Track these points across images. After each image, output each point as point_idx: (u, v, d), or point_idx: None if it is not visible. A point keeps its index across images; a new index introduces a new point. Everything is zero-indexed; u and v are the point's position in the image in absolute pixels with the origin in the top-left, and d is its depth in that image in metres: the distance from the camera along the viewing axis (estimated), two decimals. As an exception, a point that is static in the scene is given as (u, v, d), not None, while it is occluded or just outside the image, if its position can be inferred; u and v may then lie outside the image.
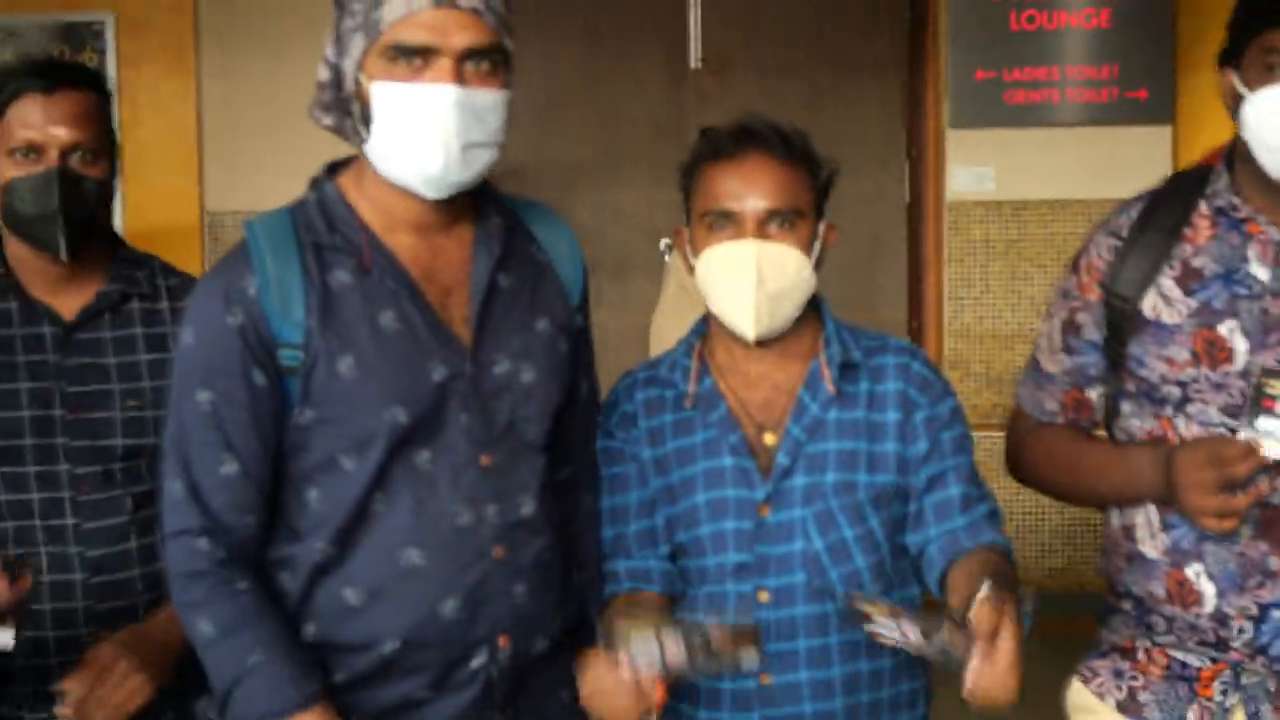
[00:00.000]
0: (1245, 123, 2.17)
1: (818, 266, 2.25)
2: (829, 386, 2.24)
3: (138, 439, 2.42)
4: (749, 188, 2.18)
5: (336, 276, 1.99)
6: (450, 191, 2.00)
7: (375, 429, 1.97)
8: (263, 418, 1.99)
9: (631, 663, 1.93)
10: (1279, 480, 2.17)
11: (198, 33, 6.06)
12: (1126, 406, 2.33)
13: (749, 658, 1.97)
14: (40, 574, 2.36)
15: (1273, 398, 2.06)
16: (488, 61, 1.96)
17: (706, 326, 2.34)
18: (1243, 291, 2.21)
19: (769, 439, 2.25)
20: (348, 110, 2.03)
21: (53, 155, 2.34)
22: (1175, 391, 2.24)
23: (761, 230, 2.17)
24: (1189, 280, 2.25)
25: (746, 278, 2.15)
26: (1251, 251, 2.23)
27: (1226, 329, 2.21)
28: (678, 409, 2.29)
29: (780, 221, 2.18)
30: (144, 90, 6.08)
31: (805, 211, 2.21)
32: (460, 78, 1.93)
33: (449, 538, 2.01)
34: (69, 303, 2.44)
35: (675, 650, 1.94)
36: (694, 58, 6.62)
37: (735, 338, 2.24)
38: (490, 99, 1.97)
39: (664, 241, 6.52)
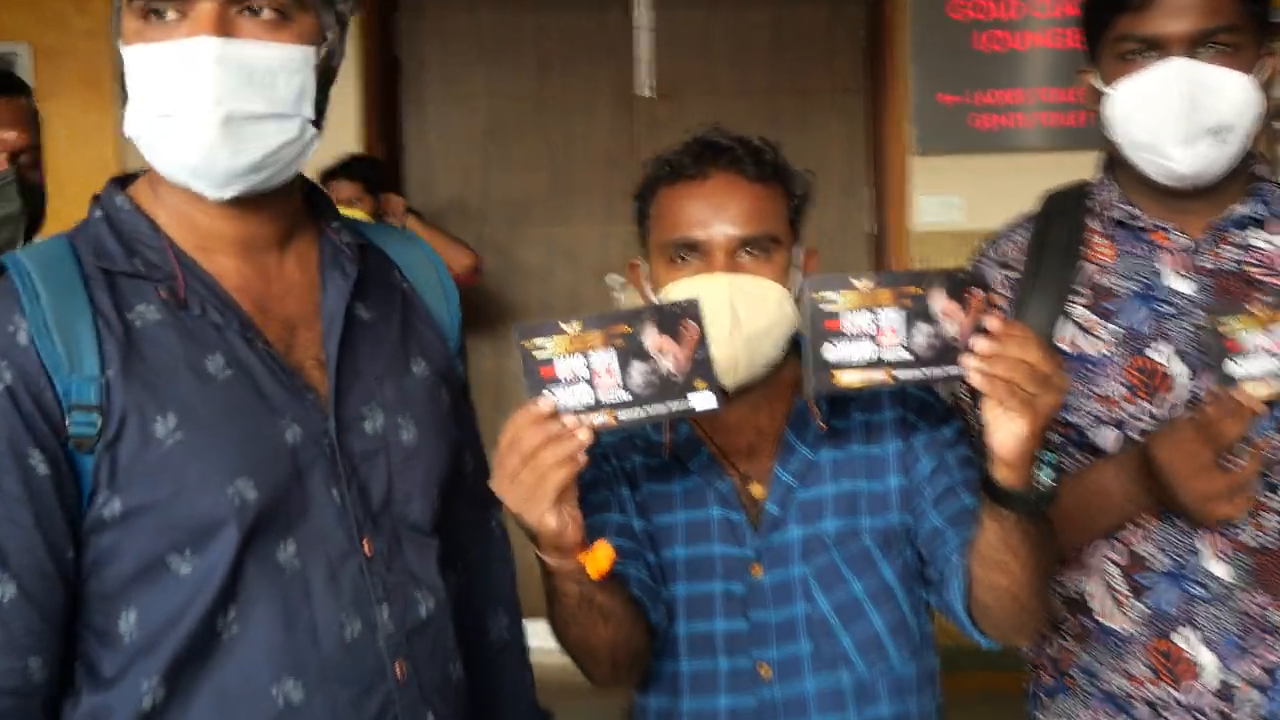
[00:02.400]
0: (1111, 123, 2.02)
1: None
2: (819, 423, 1.98)
3: None
4: (716, 213, 1.92)
5: (140, 312, 1.50)
6: (237, 187, 1.52)
7: (218, 513, 1.46)
8: (48, 517, 1.44)
9: (555, 399, 1.62)
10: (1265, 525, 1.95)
11: (116, 62, 5.67)
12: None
13: (704, 397, 1.67)
14: None
15: (1233, 338, 1.83)
16: (271, 9, 1.51)
17: None
18: (1166, 309, 2.00)
19: (756, 490, 1.98)
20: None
21: (2, 158, 2.30)
22: (1110, 434, 2.01)
23: (732, 261, 1.91)
24: (1102, 301, 2.05)
25: (719, 318, 1.85)
26: (1162, 264, 2.03)
27: (1160, 354, 2.00)
28: (650, 454, 2.01)
29: (754, 250, 1.92)
30: (62, 124, 5.69)
31: (781, 237, 1.96)
32: (225, 28, 1.48)
33: (336, 658, 1.51)
34: None
35: (609, 372, 1.63)
36: (645, 84, 6.33)
37: None
38: (271, 54, 1.50)
39: (614, 278, 6.21)
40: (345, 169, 5.20)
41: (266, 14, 1.50)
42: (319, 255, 1.64)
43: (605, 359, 1.63)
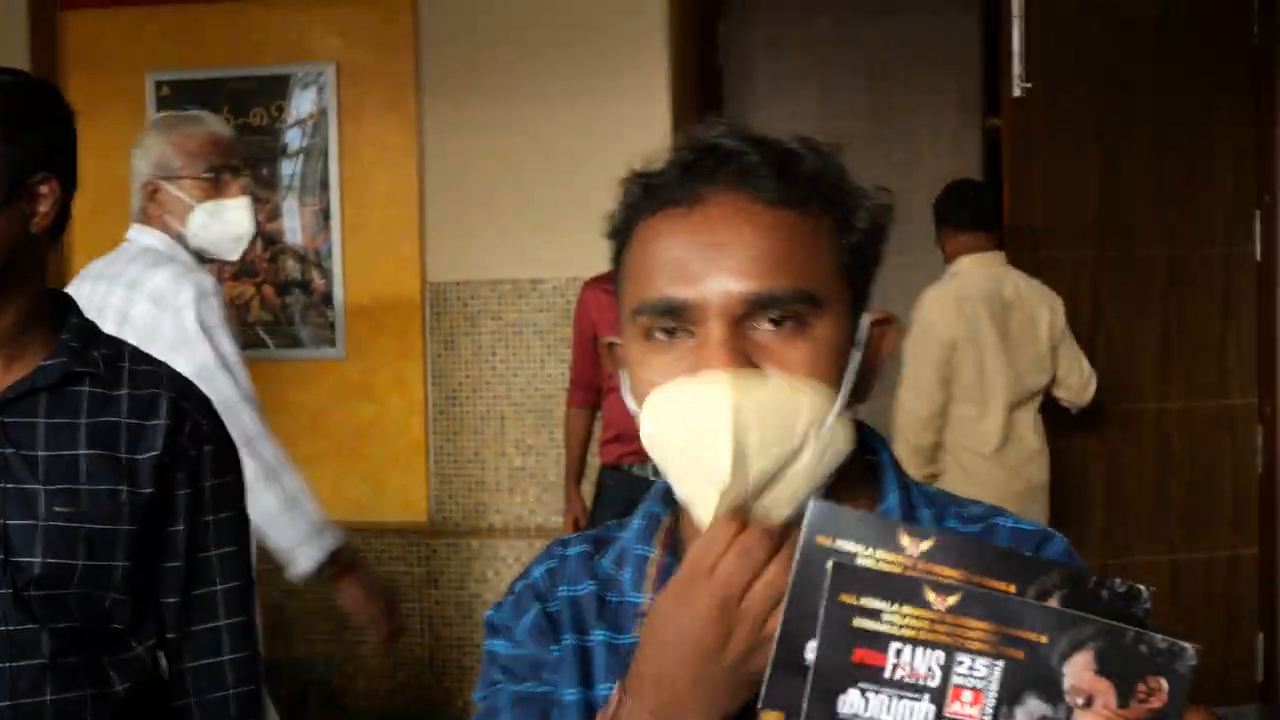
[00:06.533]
0: None
1: (862, 394, 1.27)
2: None
3: (64, 558, 1.85)
4: (711, 257, 1.21)
5: None
6: None
7: None
8: None
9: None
10: None
11: (419, 83, 5.35)
12: None
13: None
14: None
15: None
16: None
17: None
18: None
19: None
20: None
21: None
22: None
23: (739, 335, 1.20)
24: None
25: (715, 451, 1.17)
26: None
27: None
28: (621, 628, 1.32)
29: (778, 318, 1.21)
30: (365, 146, 5.42)
31: (824, 295, 1.22)
32: None
33: None
34: None
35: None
36: (1017, 83, 5.26)
37: None
38: None
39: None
40: None
41: None
42: None
43: (982, 671, 0.96)
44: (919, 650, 0.95)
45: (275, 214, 5.42)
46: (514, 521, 5.29)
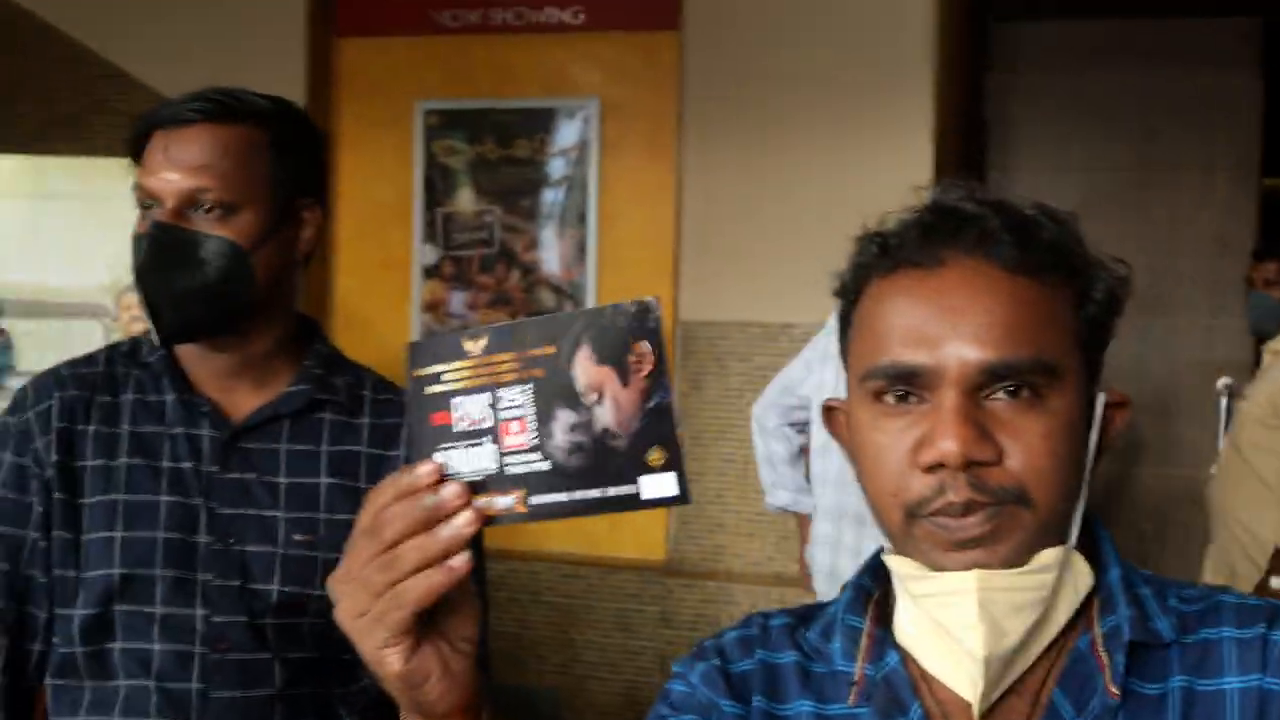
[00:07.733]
0: None
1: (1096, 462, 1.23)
2: (1109, 685, 1.17)
3: (301, 587, 1.84)
4: (950, 324, 1.16)
5: None
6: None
7: None
8: None
9: (444, 463, 1.05)
10: None
11: (680, 122, 5.36)
12: None
13: (659, 481, 0.99)
14: None
15: None
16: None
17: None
18: None
19: None
20: None
21: (169, 208, 1.81)
22: None
23: (974, 405, 1.15)
24: None
25: (965, 632, 1.15)
26: None
27: None
28: (828, 698, 1.27)
29: (1014, 388, 1.15)
30: (624, 182, 5.46)
31: (1062, 367, 1.17)
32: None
33: None
34: (240, 403, 1.92)
35: (522, 424, 1.03)
36: None
37: None
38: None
39: (1222, 381, 5.33)
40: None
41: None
42: None
43: (519, 399, 1.03)
44: (470, 397, 1.04)
45: (533, 244, 5.50)
46: (751, 567, 5.24)
